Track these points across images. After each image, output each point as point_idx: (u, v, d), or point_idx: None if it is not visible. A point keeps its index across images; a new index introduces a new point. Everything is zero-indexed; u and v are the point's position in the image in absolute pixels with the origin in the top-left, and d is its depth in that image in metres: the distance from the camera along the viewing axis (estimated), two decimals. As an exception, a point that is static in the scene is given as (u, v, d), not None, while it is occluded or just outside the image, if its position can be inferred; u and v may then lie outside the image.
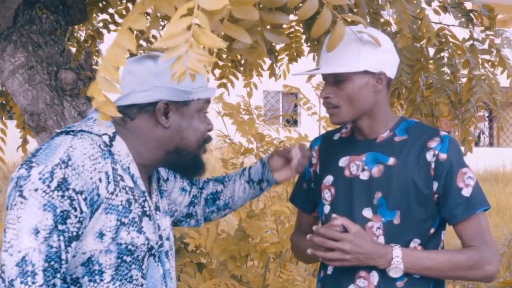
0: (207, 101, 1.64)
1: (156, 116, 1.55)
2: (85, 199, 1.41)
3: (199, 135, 1.61)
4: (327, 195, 1.92)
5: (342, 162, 1.91)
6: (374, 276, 1.80)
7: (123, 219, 1.49)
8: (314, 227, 1.79)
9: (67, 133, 1.51)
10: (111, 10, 3.69)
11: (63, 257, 1.38)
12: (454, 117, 3.27)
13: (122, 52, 1.17)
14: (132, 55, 2.97)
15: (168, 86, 1.54)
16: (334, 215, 1.79)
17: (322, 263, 1.95)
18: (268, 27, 1.65)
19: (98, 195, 1.44)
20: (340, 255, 1.73)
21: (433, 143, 1.81)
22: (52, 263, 1.35)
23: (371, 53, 1.78)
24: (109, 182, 1.47)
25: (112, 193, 1.48)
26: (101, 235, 1.45)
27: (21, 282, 1.32)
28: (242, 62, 3.89)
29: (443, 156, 1.79)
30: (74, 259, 1.44)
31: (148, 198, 1.59)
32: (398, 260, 1.74)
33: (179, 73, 0.95)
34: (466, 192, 1.78)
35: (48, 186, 1.37)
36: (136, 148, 1.57)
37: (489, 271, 1.78)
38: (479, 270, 1.77)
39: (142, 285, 1.54)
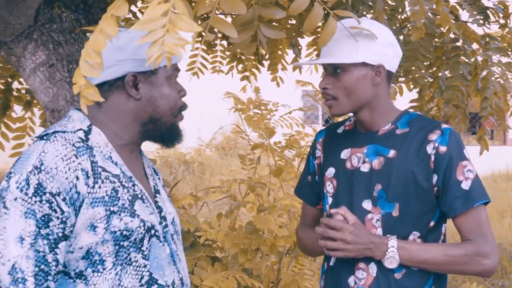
0: (176, 68, 1.66)
1: (126, 89, 1.59)
2: (64, 199, 1.45)
3: (172, 103, 1.64)
4: (329, 187, 1.94)
5: (344, 154, 1.93)
6: (373, 268, 1.82)
7: (111, 208, 1.51)
8: (321, 219, 1.84)
9: (42, 138, 1.55)
10: (134, 9, 3.74)
11: (50, 259, 1.43)
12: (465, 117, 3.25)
13: (103, 38, 1.21)
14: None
15: (132, 58, 1.57)
16: (333, 210, 1.82)
17: (325, 256, 1.97)
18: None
19: (78, 192, 1.47)
20: (341, 245, 1.76)
21: (434, 136, 1.82)
22: (42, 266, 1.41)
23: (370, 46, 1.80)
24: (88, 177, 1.50)
25: (93, 187, 1.50)
26: (93, 227, 1.49)
27: None
28: (266, 56, 3.94)
29: (443, 148, 1.80)
30: (73, 255, 1.49)
31: (136, 182, 1.61)
32: (393, 250, 1.76)
33: (155, 56, 1.00)
34: (465, 185, 1.79)
35: (26, 194, 1.43)
36: (112, 131, 1.61)
37: (487, 266, 1.78)
38: (476, 264, 1.78)
39: (145, 266, 1.57)
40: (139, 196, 1.60)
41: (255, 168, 3.05)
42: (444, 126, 1.85)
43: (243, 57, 3.96)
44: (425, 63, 3.18)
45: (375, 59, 1.82)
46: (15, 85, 3.50)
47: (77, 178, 1.48)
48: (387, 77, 1.88)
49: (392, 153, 1.84)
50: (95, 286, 1.51)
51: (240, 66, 4.09)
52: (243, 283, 2.61)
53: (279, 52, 3.87)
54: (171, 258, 1.64)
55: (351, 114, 1.98)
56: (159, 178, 1.83)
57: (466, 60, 3.17)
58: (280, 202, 2.82)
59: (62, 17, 2.92)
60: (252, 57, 3.96)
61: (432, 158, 1.80)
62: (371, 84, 1.84)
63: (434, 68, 3.19)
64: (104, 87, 1.59)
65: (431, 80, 3.30)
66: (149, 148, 13.68)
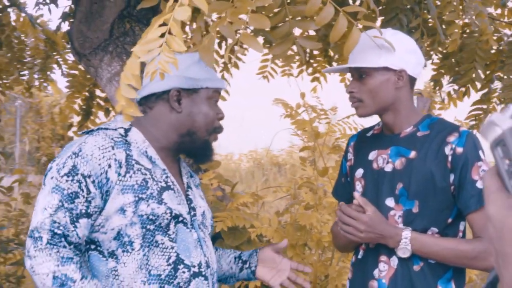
0: (216, 91, 1.88)
1: (170, 102, 1.82)
2: (93, 182, 1.68)
3: (208, 120, 1.85)
4: (358, 186, 2.08)
5: (371, 156, 2.07)
6: (394, 261, 1.95)
7: (140, 195, 1.72)
8: (340, 204, 1.99)
9: (87, 133, 1.81)
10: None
11: (70, 229, 1.67)
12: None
13: (137, 62, 1.44)
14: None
15: (178, 75, 1.80)
16: (355, 194, 1.96)
17: (355, 250, 2.12)
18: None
19: (107, 178, 1.69)
20: (354, 231, 1.91)
21: (452, 138, 1.92)
22: (57, 231, 1.65)
23: (392, 52, 1.93)
24: (120, 167, 1.71)
25: (124, 176, 1.71)
26: (123, 211, 1.71)
27: (34, 247, 1.65)
28: (336, 57, 4.08)
29: (459, 150, 1.90)
30: (107, 235, 1.73)
31: (169, 174, 1.83)
32: (406, 241, 1.88)
33: (150, 72, 1.19)
34: (480, 184, 1.88)
35: (59, 174, 1.69)
36: (152, 134, 1.84)
37: (492, 263, 1.86)
38: (483, 261, 1.88)
39: (172, 247, 1.76)
40: (171, 187, 1.81)
41: (313, 169, 3.20)
42: (462, 129, 1.95)
43: (311, 61, 4.12)
44: (484, 66, 3.21)
45: (397, 65, 1.95)
46: (98, 93, 3.83)
47: (109, 166, 1.70)
48: (410, 82, 2.00)
49: (412, 154, 1.96)
50: (124, 264, 1.72)
51: (310, 70, 4.26)
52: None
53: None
54: (198, 243, 1.83)
55: (379, 119, 2.11)
56: (195, 179, 2.04)
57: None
58: (326, 200, 2.96)
59: (135, 30, 3.20)
60: (322, 59, 4.12)
61: (449, 158, 1.90)
62: (394, 88, 1.97)
63: (490, 72, 3.21)
64: (152, 98, 1.84)
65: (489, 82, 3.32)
66: (243, 150, 13.85)
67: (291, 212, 3.26)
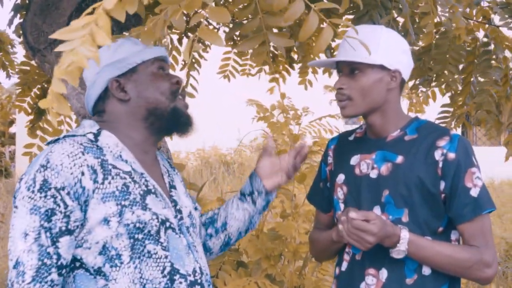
0: (157, 60, 1.73)
1: (115, 95, 1.69)
2: (68, 194, 1.51)
3: (163, 90, 1.71)
4: (340, 193, 1.96)
5: (353, 160, 1.94)
6: (383, 274, 1.83)
7: (123, 202, 1.56)
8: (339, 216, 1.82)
9: (53, 142, 1.64)
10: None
11: (52, 252, 1.49)
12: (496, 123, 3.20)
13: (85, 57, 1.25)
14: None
15: (108, 64, 1.67)
16: (348, 211, 1.79)
17: (338, 261, 1.99)
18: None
19: (83, 187, 1.53)
20: (363, 243, 1.74)
21: (442, 142, 1.82)
22: (45, 260, 1.47)
23: (388, 50, 1.83)
24: (96, 174, 1.55)
25: (102, 183, 1.56)
26: (106, 221, 1.54)
27: (16, 282, 1.46)
28: (298, 59, 3.95)
29: (451, 155, 1.79)
30: (91, 250, 1.55)
31: (148, 178, 1.67)
32: (403, 242, 1.75)
33: (65, 65, 1.02)
34: (474, 192, 1.79)
35: (32, 192, 1.50)
36: (124, 133, 1.69)
37: (487, 274, 1.79)
38: (478, 271, 1.79)
39: (166, 257, 1.61)
40: (152, 191, 1.66)
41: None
42: (453, 132, 1.84)
43: (275, 59, 3.98)
44: (457, 67, 3.15)
45: (393, 64, 1.84)
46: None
47: (83, 173, 1.53)
48: (400, 84, 1.90)
49: (399, 159, 1.85)
50: (115, 281, 1.55)
51: (269, 69, 4.12)
52: (265, 289, 2.63)
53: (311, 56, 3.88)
54: (188, 249, 1.68)
55: (363, 122, 1.99)
56: (176, 174, 1.89)
57: (498, 65, 3.12)
58: (303, 208, 2.83)
59: (94, 24, 2.99)
60: (283, 60, 3.98)
61: (440, 164, 1.79)
62: (386, 88, 1.85)
63: (465, 74, 3.14)
64: (99, 102, 1.73)
65: (463, 85, 3.25)
66: (191, 149, 13.81)
67: (262, 220, 3.11)
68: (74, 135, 1.64)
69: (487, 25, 3.23)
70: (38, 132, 3.58)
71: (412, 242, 1.76)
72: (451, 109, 3.70)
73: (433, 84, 3.26)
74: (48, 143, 1.66)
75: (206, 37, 1.26)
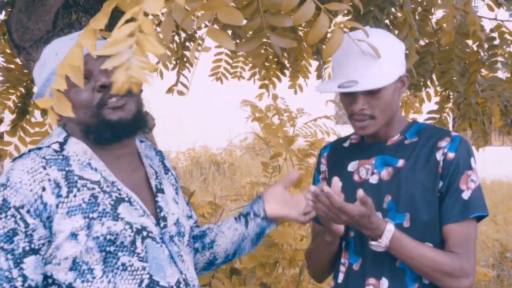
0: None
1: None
2: (28, 212, 1.43)
3: (83, 106, 1.52)
4: None
5: (351, 166, 1.88)
6: (384, 284, 1.76)
7: (91, 215, 1.47)
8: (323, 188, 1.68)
9: (20, 157, 1.54)
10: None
11: (16, 275, 1.42)
12: (505, 125, 3.13)
13: (80, 52, 1.11)
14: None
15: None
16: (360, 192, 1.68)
17: (334, 273, 1.92)
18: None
19: (44, 203, 1.44)
20: (335, 218, 1.66)
21: (443, 143, 1.77)
22: (5, 285, 1.40)
23: (399, 57, 1.76)
24: (59, 187, 1.46)
25: (66, 196, 1.46)
26: (74, 236, 1.45)
27: None
28: (288, 64, 3.88)
29: (451, 155, 1.74)
30: (61, 266, 1.46)
31: (121, 186, 1.55)
32: (387, 236, 1.67)
33: (121, 82, 0.89)
34: (466, 195, 1.73)
35: None
36: (87, 135, 1.56)
37: (464, 284, 1.71)
38: (455, 279, 1.71)
39: (144, 268, 1.50)
40: (126, 199, 1.54)
41: (275, 177, 2.97)
42: (454, 134, 1.79)
43: (266, 64, 3.90)
44: (460, 65, 3.08)
45: (402, 70, 1.77)
46: (35, 90, 3.47)
47: (43, 189, 1.45)
48: None
49: (400, 162, 1.78)
50: None
51: (262, 73, 4.03)
52: (259, 298, 2.54)
53: (303, 61, 3.81)
54: (171, 259, 1.57)
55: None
56: (169, 176, 1.77)
57: (506, 61, 3.06)
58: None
59: (82, 22, 2.88)
60: (274, 66, 3.89)
61: (441, 164, 1.74)
62: (399, 95, 1.80)
63: (470, 73, 3.07)
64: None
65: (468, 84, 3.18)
66: (181, 149, 13.78)
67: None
68: (40, 148, 1.55)
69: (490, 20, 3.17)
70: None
71: (395, 238, 1.68)
72: (438, 116, 3.69)
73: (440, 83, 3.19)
74: (14, 159, 1.55)
75: (215, 38, 1.17)
